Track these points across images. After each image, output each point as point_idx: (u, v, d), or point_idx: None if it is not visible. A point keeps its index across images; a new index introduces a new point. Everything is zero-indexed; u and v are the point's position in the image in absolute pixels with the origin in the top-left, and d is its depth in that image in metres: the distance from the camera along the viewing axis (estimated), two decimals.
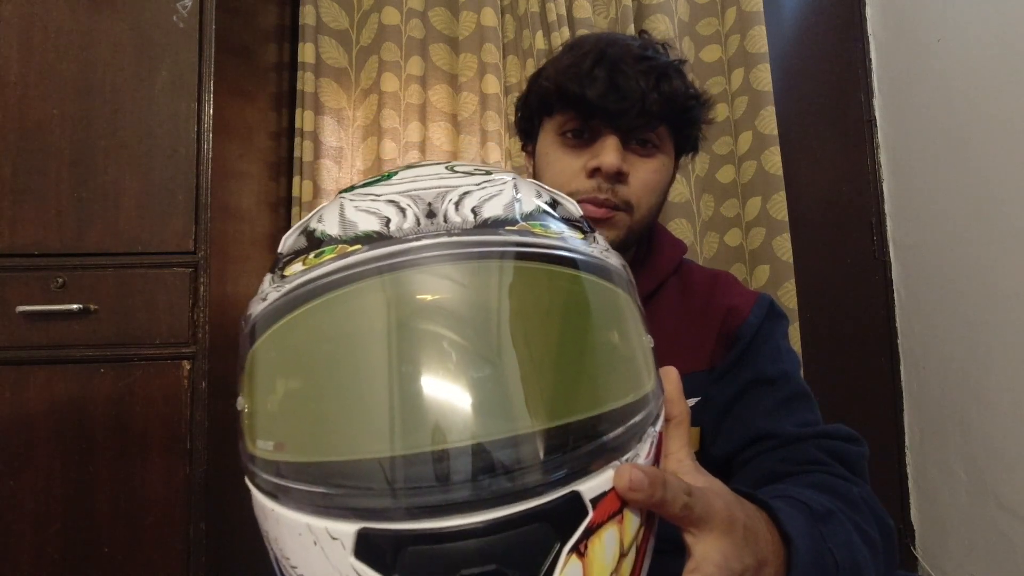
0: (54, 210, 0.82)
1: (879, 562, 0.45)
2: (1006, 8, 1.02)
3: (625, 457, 0.29)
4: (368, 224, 0.31)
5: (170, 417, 0.81)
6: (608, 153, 0.58)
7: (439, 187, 0.33)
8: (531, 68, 1.25)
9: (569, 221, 0.35)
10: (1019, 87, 0.99)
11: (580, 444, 0.27)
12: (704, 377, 0.62)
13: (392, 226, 0.31)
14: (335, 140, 1.26)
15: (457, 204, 0.32)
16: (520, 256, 0.30)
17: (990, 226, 1.07)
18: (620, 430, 0.29)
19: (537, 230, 0.32)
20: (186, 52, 0.86)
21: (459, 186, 0.33)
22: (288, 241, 0.34)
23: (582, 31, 1.25)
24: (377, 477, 0.25)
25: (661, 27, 1.28)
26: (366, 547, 0.25)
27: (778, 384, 0.59)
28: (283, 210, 1.22)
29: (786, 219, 1.25)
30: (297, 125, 1.23)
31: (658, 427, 0.32)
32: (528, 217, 0.33)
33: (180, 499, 0.80)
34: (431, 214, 0.31)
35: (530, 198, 0.35)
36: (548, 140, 0.64)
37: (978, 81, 1.09)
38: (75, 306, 0.79)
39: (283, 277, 0.31)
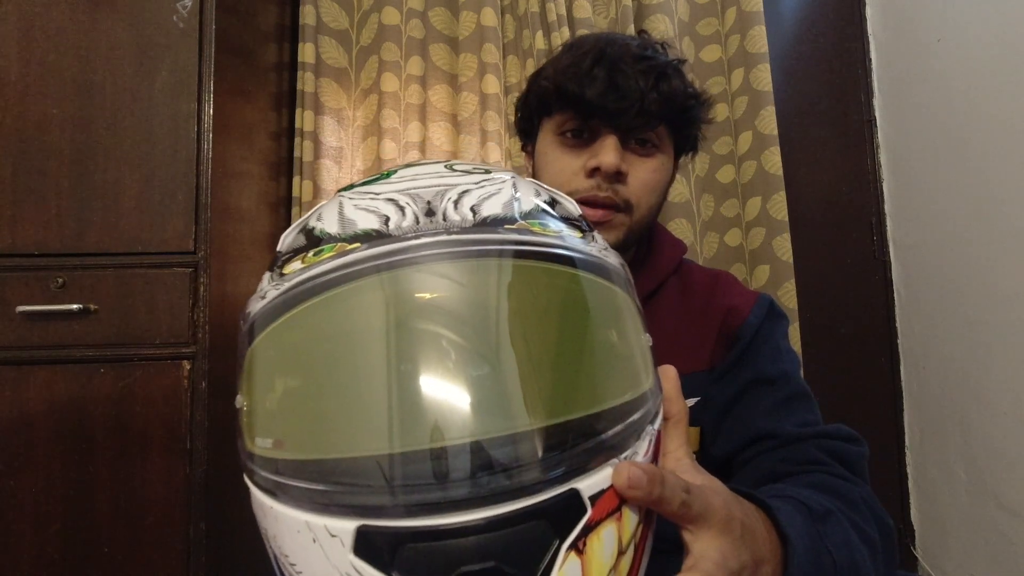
0: (54, 210, 0.82)
1: (878, 562, 0.45)
2: (1006, 8, 1.02)
3: (624, 455, 0.29)
4: (367, 222, 0.31)
5: (170, 417, 0.81)
6: (607, 153, 0.58)
7: (438, 186, 0.33)
8: (531, 68, 1.25)
9: (568, 220, 0.35)
10: (1019, 87, 0.99)
11: (579, 442, 0.27)
12: (704, 377, 0.62)
13: (391, 224, 0.31)
14: (335, 140, 1.26)
15: (456, 203, 0.32)
16: (519, 255, 0.30)
17: (990, 226, 1.07)
18: (618, 428, 0.29)
19: (536, 229, 0.32)
20: (186, 52, 0.86)
21: (458, 185, 0.33)
22: (287, 240, 0.34)
23: (582, 31, 1.25)
24: (376, 474, 0.25)
25: (661, 27, 1.28)
26: (365, 544, 0.25)
27: (778, 384, 0.59)
28: (283, 210, 1.22)
29: (786, 219, 1.25)
30: (297, 125, 1.23)
31: (656, 425, 0.32)
32: (527, 216, 0.33)
33: (180, 499, 0.80)
34: (430, 212, 0.31)
35: (529, 197, 0.35)
36: (547, 140, 0.64)
37: (978, 81, 1.09)
38: (75, 306, 0.79)
39: (282, 275, 0.31)
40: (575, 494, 0.26)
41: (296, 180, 1.21)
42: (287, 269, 0.32)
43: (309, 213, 0.35)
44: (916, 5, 1.26)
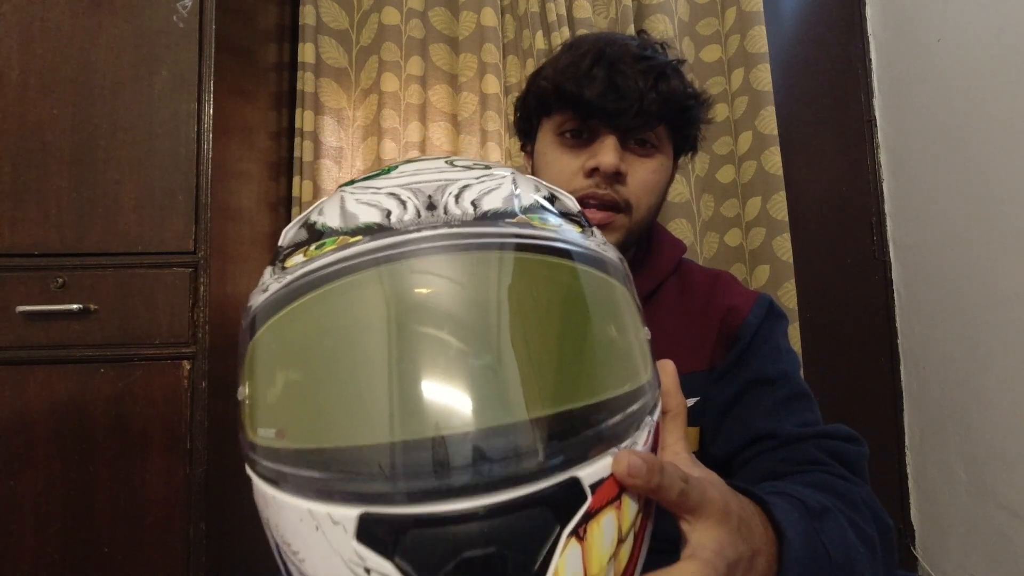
0: (54, 210, 0.82)
1: (877, 560, 0.45)
2: (1006, 8, 1.02)
3: (623, 445, 0.29)
4: (369, 216, 0.31)
5: (170, 417, 0.81)
6: (606, 153, 0.58)
7: (439, 180, 0.34)
8: (531, 68, 1.25)
9: (567, 215, 0.36)
10: (1019, 87, 0.99)
11: (578, 431, 0.27)
12: (704, 377, 0.62)
13: (393, 218, 0.31)
14: (335, 140, 1.26)
15: (457, 197, 0.32)
16: (519, 247, 0.30)
17: (990, 226, 1.07)
18: (618, 418, 0.29)
19: (536, 223, 0.32)
20: (186, 52, 0.86)
21: (459, 179, 0.34)
22: (288, 234, 0.35)
23: (582, 31, 1.25)
24: (378, 463, 0.26)
25: (661, 27, 1.28)
26: (368, 531, 0.25)
27: (778, 384, 0.59)
28: (283, 210, 1.22)
29: (786, 219, 1.25)
30: (297, 125, 1.23)
31: (655, 417, 0.33)
32: (527, 210, 0.33)
33: (180, 499, 0.80)
34: (431, 206, 0.31)
35: (529, 192, 0.35)
36: (547, 140, 0.64)
37: (978, 81, 1.09)
38: (75, 306, 0.79)
39: (284, 268, 0.32)
40: (575, 482, 0.27)
41: (296, 180, 1.21)
42: (289, 263, 0.32)
43: (310, 208, 0.36)
44: (916, 5, 1.26)
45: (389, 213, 0.31)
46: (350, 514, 0.25)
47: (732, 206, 1.33)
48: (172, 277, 0.82)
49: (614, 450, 0.28)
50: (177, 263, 0.83)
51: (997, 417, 1.06)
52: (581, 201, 0.40)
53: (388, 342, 0.27)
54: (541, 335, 0.29)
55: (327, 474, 0.26)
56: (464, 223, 0.31)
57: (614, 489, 0.28)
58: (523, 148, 0.73)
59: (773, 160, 1.26)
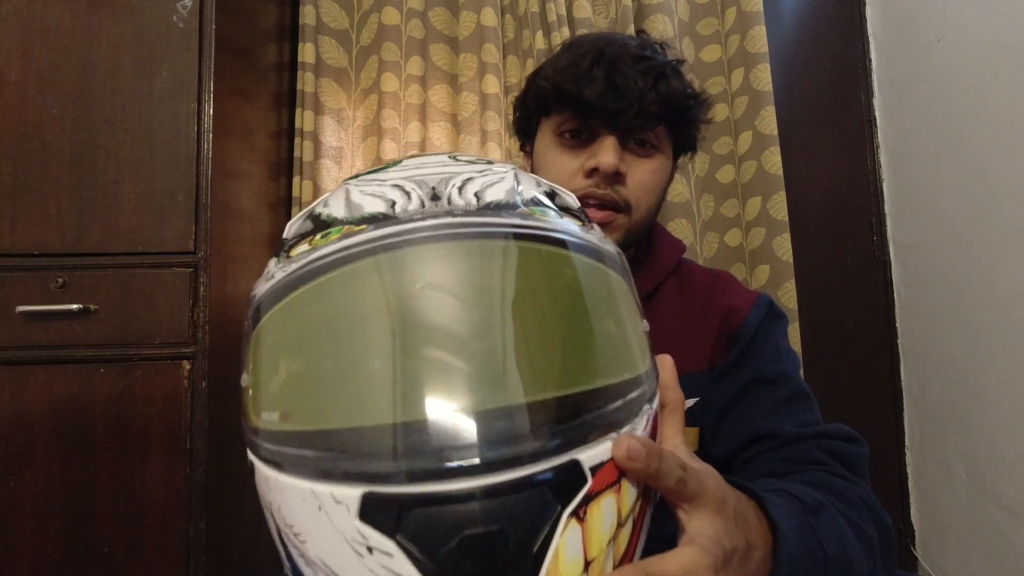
0: (54, 210, 0.82)
1: (875, 558, 0.45)
2: (1006, 8, 1.02)
3: (623, 430, 0.30)
4: (374, 206, 0.32)
5: (170, 417, 0.81)
6: (606, 153, 0.58)
7: (443, 173, 0.34)
8: (531, 68, 1.24)
9: (567, 211, 0.36)
10: (1019, 87, 0.99)
11: (578, 415, 0.28)
12: (703, 377, 0.62)
13: (397, 208, 0.32)
14: (335, 140, 1.26)
15: (460, 188, 0.33)
16: (521, 237, 0.31)
17: (990, 226, 1.07)
18: (617, 403, 0.30)
19: (537, 215, 0.33)
20: (186, 52, 0.86)
21: (462, 172, 0.34)
22: (293, 227, 0.35)
23: (582, 31, 1.25)
24: (380, 443, 0.26)
25: (661, 27, 1.28)
26: (371, 510, 0.25)
27: (778, 384, 0.59)
28: (283, 210, 1.22)
29: (786, 219, 1.25)
30: (297, 125, 1.23)
31: (654, 406, 0.33)
32: (528, 204, 0.34)
33: (180, 499, 0.80)
34: (435, 197, 0.32)
35: (530, 188, 0.36)
36: (546, 140, 0.64)
37: (978, 81, 1.09)
38: (75, 306, 0.79)
39: (289, 258, 0.32)
40: (576, 464, 0.27)
41: (296, 180, 1.21)
42: (294, 252, 0.33)
43: (315, 202, 0.36)
44: (916, 5, 1.26)
45: (394, 203, 0.32)
46: (353, 493, 0.25)
47: (732, 206, 1.33)
48: (172, 277, 0.82)
49: (614, 435, 0.29)
50: (177, 263, 0.83)
51: (997, 417, 1.06)
52: (581, 201, 0.40)
53: (391, 326, 0.28)
54: (541, 322, 0.30)
55: (330, 454, 0.27)
56: (467, 213, 0.31)
57: (614, 473, 0.28)
58: (522, 148, 0.73)
59: (773, 160, 1.26)
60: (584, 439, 0.28)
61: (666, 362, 0.36)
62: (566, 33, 1.25)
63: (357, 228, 0.31)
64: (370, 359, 0.28)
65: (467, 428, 0.26)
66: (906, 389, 1.35)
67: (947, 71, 1.17)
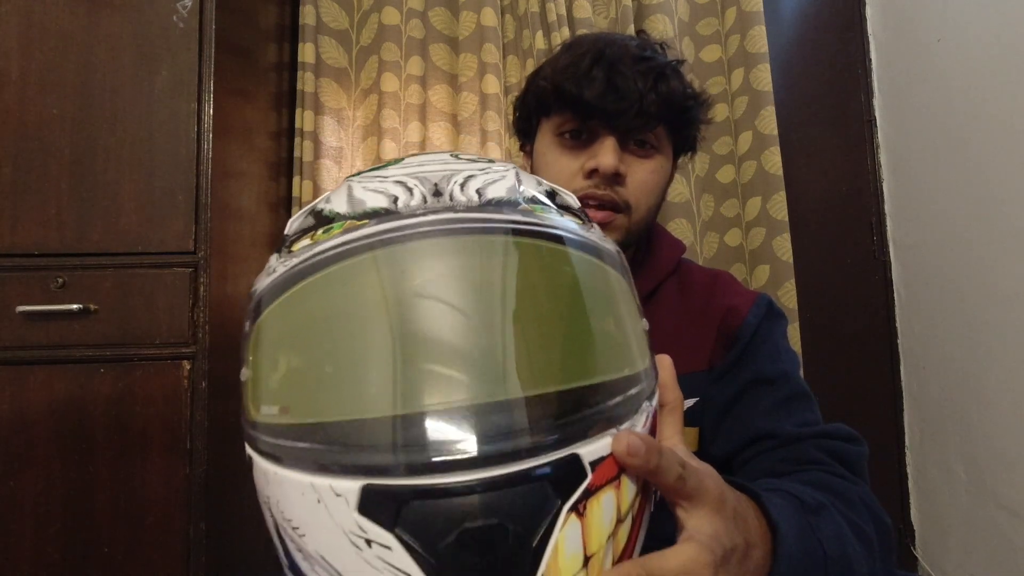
0: (54, 210, 0.82)
1: (874, 558, 0.45)
2: (1006, 8, 1.02)
3: (623, 426, 0.30)
4: (376, 201, 0.32)
5: (170, 417, 0.81)
6: (606, 154, 0.58)
7: (445, 170, 0.34)
8: (531, 68, 1.24)
9: (567, 210, 0.37)
10: (1019, 87, 0.99)
11: (578, 409, 0.28)
12: (703, 377, 0.62)
13: (400, 203, 0.32)
14: (335, 140, 1.26)
15: (463, 185, 0.33)
16: (521, 233, 0.31)
17: (990, 226, 1.07)
18: (617, 399, 0.30)
19: (538, 212, 0.33)
20: (186, 52, 0.86)
21: (464, 170, 0.35)
22: (295, 223, 0.35)
23: (582, 31, 1.25)
24: (379, 435, 0.26)
25: (661, 27, 1.28)
26: (370, 502, 0.25)
27: (777, 384, 0.59)
28: (283, 210, 1.22)
29: (786, 219, 1.25)
30: (297, 125, 1.23)
31: (653, 403, 0.33)
32: (529, 202, 0.34)
33: (180, 499, 0.80)
34: (437, 193, 0.32)
35: (530, 186, 0.36)
36: (546, 141, 0.64)
37: (978, 81, 1.09)
38: (75, 306, 0.79)
39: (291, 252, 0.32)
40: (576, 458, 0.27)
41: (296, 180, 1.21)
42: (296, 247, 0.33)
43: (317, 199, 0.36)
44: (916, 5, 1.26)
45: (396, 199, 0.32)
46: (352, 486, 0.25)
47: (732, 206, 1.33)
48: (172, 277, 0.82)
49: (613, 430, 0.29)
50: (177, 263, 0.83)
51: (997, 417, 1.06)
52: (581, 201, 0.40)
53: (391, 320, 0.28)
54: (541, 317, 0.30)
55: (329, 447, 0.27)
56: (469, 208, 0.31)
57: (614, 469, 0.28)
58: (522, 148, 0.73)
59: (773, 160, 1.26)
60: (584, 434, 0.28)
61: (665, 362, 0.36)
62: (566, 33, 1.25)
63: (359, 223, 0.31)
64: (370, 352, 0.28)
65: (466, 421, 0.26)
66: (906, 389, 1.35)
67: (947, 71, 1.17)
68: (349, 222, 0.31)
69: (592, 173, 0.59)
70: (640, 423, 0.31)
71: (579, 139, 0.62)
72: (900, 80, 1.33)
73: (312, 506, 0.26)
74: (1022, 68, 0.99)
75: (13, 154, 0.82)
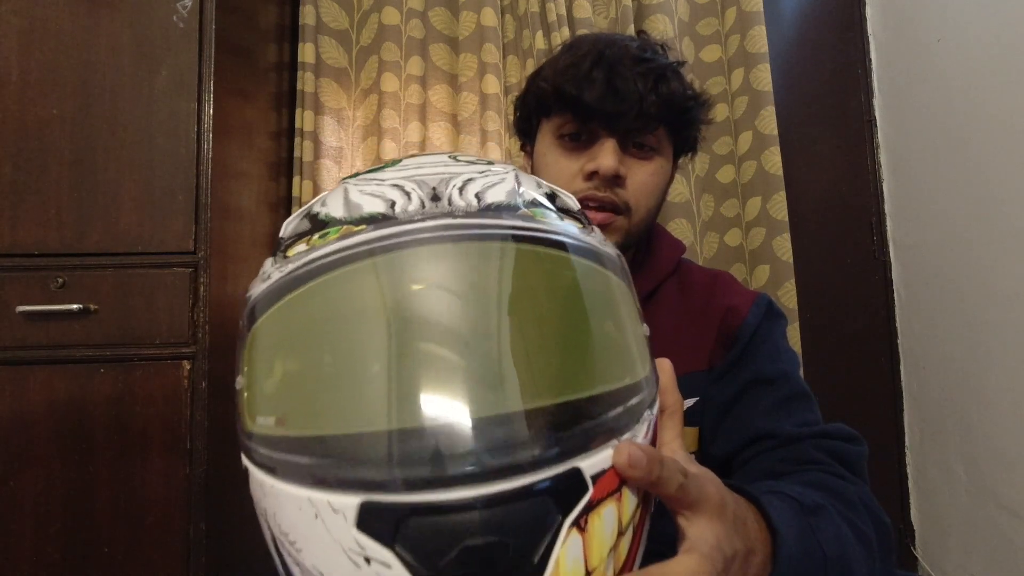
0: (54, 210, 0.82)
1: (873, 559, 0.45)
2: (1006, 8, 1.02)
3: (624, 437, 0.29)
4: (373, 206, 0.31)
5: (170, 417, 0.81)
6: (605, 156, 0.58)
7: (443, 173, 0.34)
8: (531, 68, 1.25)
9: (567, 213, 0.36)
10: (1019, 87, 0.99)
11: (578, 422, 0.27)
12: (703, 377, 0.62)
13: (397, 208, 0.31)
14: (335, 140, 1.26)
15: (461, 189, 0.32)
16: (522, 239, 0.31)
17: (990, 226, 1.07)
18: (618, 410, 0.29)
19: (538, 217, 0.33)
20: (186, 52, 0.86)
21: (462, 173, 0.34)
22: (290, 226, 0.35)
23: (582, 31, 1.25)
24: (376, 450, 0.25)
25: (661, 27, 1.28)
26: (368, 519, 0.25)
27: (777, 384, 0.59)
28: (283, 210, 1.22)
29: (786, 219, 1.25)
30: (297, 125, 1.23)
31: (654, 411, 0.33)
32: (529, 206, 0.34)
33: (180, 499, 0.80)
34: (436, 197, 0.32)
35: (530, 189, 0.35)
36: (546, 142, 0.64)
37: (978, 81, 1.09)
38: (75, 306, 0.79)
39: (286, 258, 0.32)
40: (577, 472, 0.27)
41: (296, 180, 1.21)
42: (291, 252, 0.32)
43: (312, 201, 0.36)
44: (916, 5, 1.26)
45: (393, 203, 0.31)
46: (350, 502, 0.25)
47: (732, 206, 1.33)
48: (172, 277, 0.82)
49: (614, 442, 0.29)
50: (177, 263, 0.83)
51: (997, 417, 1.06)
52: (580, 203, 0.40)
53: (388, 330, 0.27)
54: (541, 327, 0.29)
55: (327, 461, 0.26)
56: (468, 214, 0.31)
57: (615, 481, 0.28)
58: (523, 148, 0.73)
59: (773, 160, 1.26)
60: (585, 447, 0.27)
61: (665, 366, 0.36)
62: (566, 33, 1.25)
63: (356, 228, 0.30)
64: (367, 363, 0.27)
65: (466, 435, 0.25)
66: (906, 389, 1.35)
67: (947, 71, 1.17)
68: (345, 227, 0.31)
69: (592, 175, 0.59)
70: (641, 433, 0.30)
71: (579, 141, 0.62)
72: (900, 80, 1.33)
73: (309, 521, 0.26)
74: (1022, 68, 0.99)
75: (13, 154, 0.82)
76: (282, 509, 0.28)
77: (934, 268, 1.23)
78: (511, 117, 0.75)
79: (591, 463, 0.27)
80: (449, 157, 0.37)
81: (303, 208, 0.35)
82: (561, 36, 1.23)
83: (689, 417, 0.58)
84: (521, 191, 0.34)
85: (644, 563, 0.30)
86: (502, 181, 0.34)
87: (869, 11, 1.42)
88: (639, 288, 0.38)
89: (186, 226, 0.84)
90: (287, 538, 0.27)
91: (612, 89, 0.57)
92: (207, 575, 0.80)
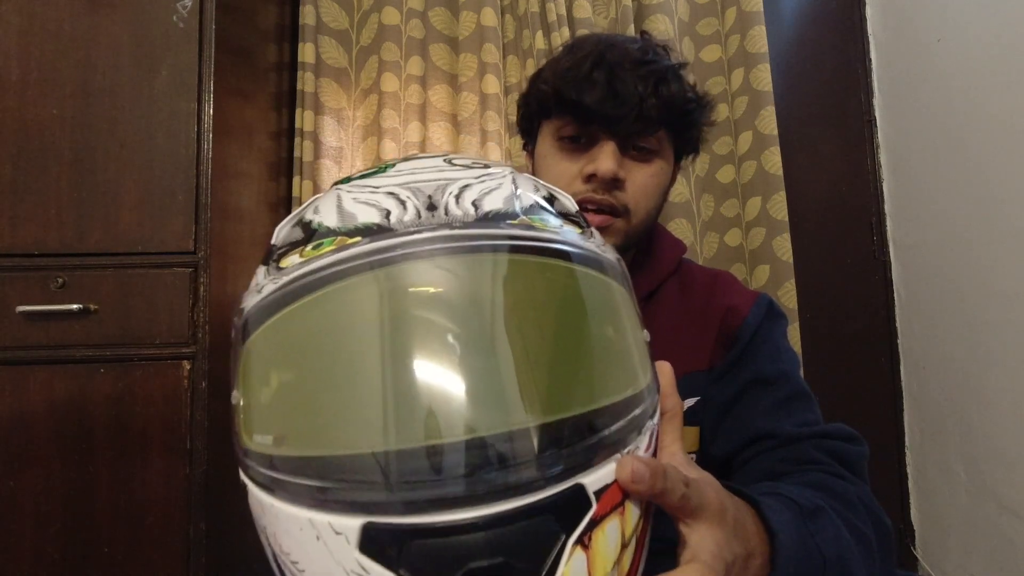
0: (54, 210, 0.82)
1: (873, 559, 0.45)
2: (1006, 8, 1.02)
3: (626, 450, 0.29)
4: (368, 216, 0.31)
5: (170, 417, 0.81)
6: (604, 159, 0.58)
7: (439, 180, 0.33)
8: (531, 68, 1.25)
9: (566, 216, 0.35)
10: (1019, 87, 0.99)
11: (580, 438, 0.27)
12: (703, 377, 0.62)
13: (392, 218, 0.30)
14: (335, 140, 1.26)
15: (458, 197, 0.32)
16: (522, 250, 0.30)
17: (990, 226, 1.07)
18: (620, 423, 0.29)
19: (537, 224, 0.32)
20: (186, 52, 0.86)
21: (459, 179, 0.33)
22: (282, 232, 0.34)
23: (582, 31, 1.25)
24: (376, 471, 0.25)
25: (661, 27, 1.27)
26: (371, 541, 0.25)
27: (777, 384, 0.59)
28: (283, 210, 1.22)
29: (786, 219, 1.25)
30: (297, 125, 1.23)
31: (656, 420, 0.33)
32: (527, 211, 0.33)
33: (180, 499, 0.80)
34: (432, 207, 0.31)
35: (528, 193, 0.35)
36: (546, 144, 0.64)
37: (978, 81, 1.09)
38: (75, 306, 0.79)
39: (279, 269, 0.31)
40: (581, 489, 0.26)
41: (296, 180, 1.21)
42: (284, 263, 0.31)
43: (304, 206, 0.35)
44: (916, 5, 1.26)
45: (388, 213, 0.30)
46: (352, 524, 0.25)
47: (732, 206, 1.33)
48: (172, 277, 0.82)
49: (617, 456, 0.28)
50: (177, 263, 0.83)
51: (997, 417, 1.06)
52: (579, 205, 0.40)
53: (386, 348, 0.27)
54: (542, 341, 0.29)
55: (327, 482, 0.26)
56: (466, 224, 0.30)
57: (618, 495, 0.28)
58: (525, 147, 0.73)
59: (773, 160, 1.26)
60: (588, 463, 0.27)
61: (664, 369, 0.36)
62: (566, 33, 1.25)
63: (351, 240, 0.29)
64: (364, 382, 0.27)
65: (468, 455, 0.25)
66: (906, 389, 1.35)
67: (947, 71, 1.17)
68: (340, 239, 0.30)
69: (591, 177, 0.59)
70: (643, 445, 0.30)
71: (578, 143, 0.61)
72: (900, 80, 1.33)
73: (311, 542, 0.26)
74: (1022, 68, 0.99)
75: (13, 154, 0.82)
76: (282, 529, 0.27)
77: (934, 268, 1.23)
78: (511, 117, 0.75)
79: (594, 479, 0.27)
80: (444, 160, 0.36)
81: (295, 213, 0.34)
82: (561, 36, 1.23)
83: (689, 417, 0.58)
84: (519, 195, 0.33)
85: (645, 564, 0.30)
86: (499, 186, 0.33)
87: (869, 11, 1.42)
88: (640, 288, 0.38)
89: (186, 226, 0.84)
90: (288, 557, 0.27)
91: (612, 92, 0.57)
92: (207, 575, 0.80)
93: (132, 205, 0.83)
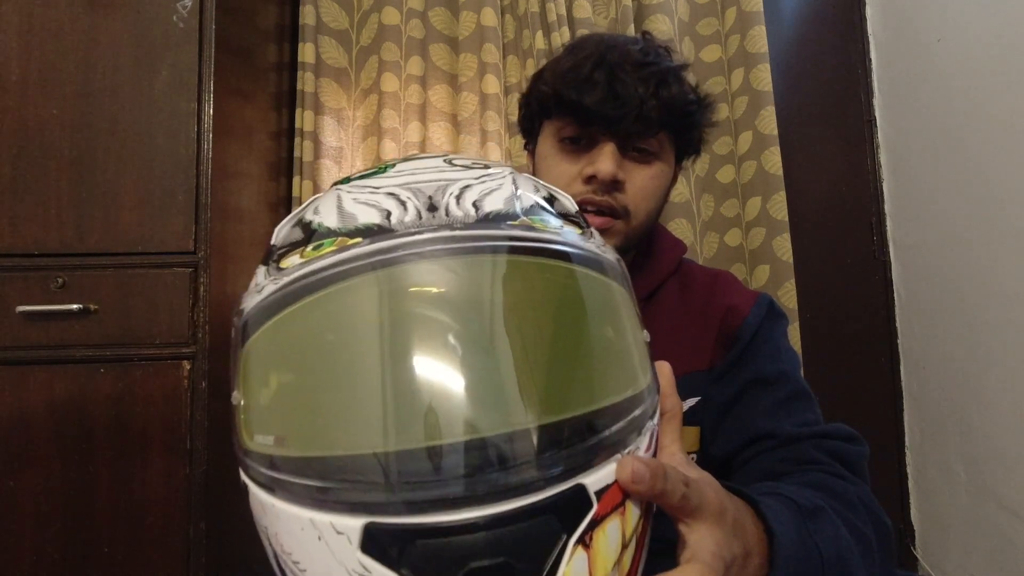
0: (54, 210, 0.82)
1: (872, 559, 0.45)
2: (1006, 8, 1.02)
3: (627, 450, 0.29)
4: (368, 217, 0.31)
5: (170, 417, 0.81)
6: (604, 161, 0.58)
7: (439, 180, 0.33)
8: (531, 68, 1.25)
9: (566, 216, 0.35)
10: (1019, 87, 0.99)
11: (581, 439, 0.27)
12: (703, 377, 0.62)
13: (393, 219, 0.30)
14: (335, 140, 1.26)
15: (458, 198, 0.32)
16: (522, 251, 0.30)
17: (990, 226, 1.07)
18: (620, 424, 0.29)
19: (537, 225, 0.32)
20: (186, 52, 0.86)
21: (459, 179, 0.33)
22: (282, 232, 0.34)
23: (582, 31, 1.25)
24: (376, 472, 0.25)
25: (661, 27, 1.28)
26: (373, 541, 0.25)
27: (777, 384, 0.59)
28: (283, 210, 1.22)
29: (786, 219, 1.25)
30: (297, 125, 1.23)
31: (655, 421, 0.33)
32: (528, 212, 0.33)
33: (180, 499, 0.80)
34: (432, 207, 0.31)
35: (528, 193, 0.35)
36: (547, 144, 0.64)
37: (978, 81, 1.09)
38: (75, 306, 0.79)
39: (280, 269, 0.31)
40: (582, 489, 0.26)
41: (296, 180, 1.21)
42: (284, 263, 0.31)
43: (304, 206, 0.35)
44: (916, 5, 1.26)
45: (389, 214, 0.30)
46: (354, 524, 0.25)
47: (732, 206, 1.33)
48: (172, 277, 0.82)
49: (617, 456, 0.28)
50: (177, 263, 0.83)
51: (997, 417, 1.06)
52: (579, 206, 0.40)
53: (388, 349, 0.27)
54: (542, 341, 0.29)
55: (328, 482, 0.26)
56: (466, 225, 0.30)
57: (618, 495, 0.28)
58: (526, 147, 0.73)
59: (773, 160, 1.26)
60: (589, 463, 0.27)
61: (664, 369, 0.36)
62: (566, 33, 1.25)
63: (351, 241, 0.29)
64: (364, 383, 0.27)
65: (469, 455, 0.25)
66: (906, 389, 1.35)
67: (947, 71, 1.17)
68: (340, 239, 0.30)
69: (591, 179, 0.59)
70: (644, 445, 0.30)
71: (579, 144, 0.61)
72: (900, 80, 1.33)
73: (313, 542, 0.26)
74: (1022, 68, 0.99)
75: (13, 154, 0.82)
76: (283, 529, 0.27)
77: (934, 268, 1.23)
78: (511, 117, 0.75)
79: (595, 479, 0.27)
80: (444, 161, 0.36)
81: (295, 213, 0.34)
82: (561, 36, 1.23)
83: (690, 417, 0.58)
84: (519, 196, 0.33)
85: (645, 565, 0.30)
86: (500, 187, 0.33)
87: (869, 11, 1.42)
88: (640, 288, 0.38)
89: (186, 226, 0.84)
90: (290, 558, 0.27)
91: (612, 93, 0.57)
92: (207, 575, 0.80)
93: (132, 205, 0.83)
